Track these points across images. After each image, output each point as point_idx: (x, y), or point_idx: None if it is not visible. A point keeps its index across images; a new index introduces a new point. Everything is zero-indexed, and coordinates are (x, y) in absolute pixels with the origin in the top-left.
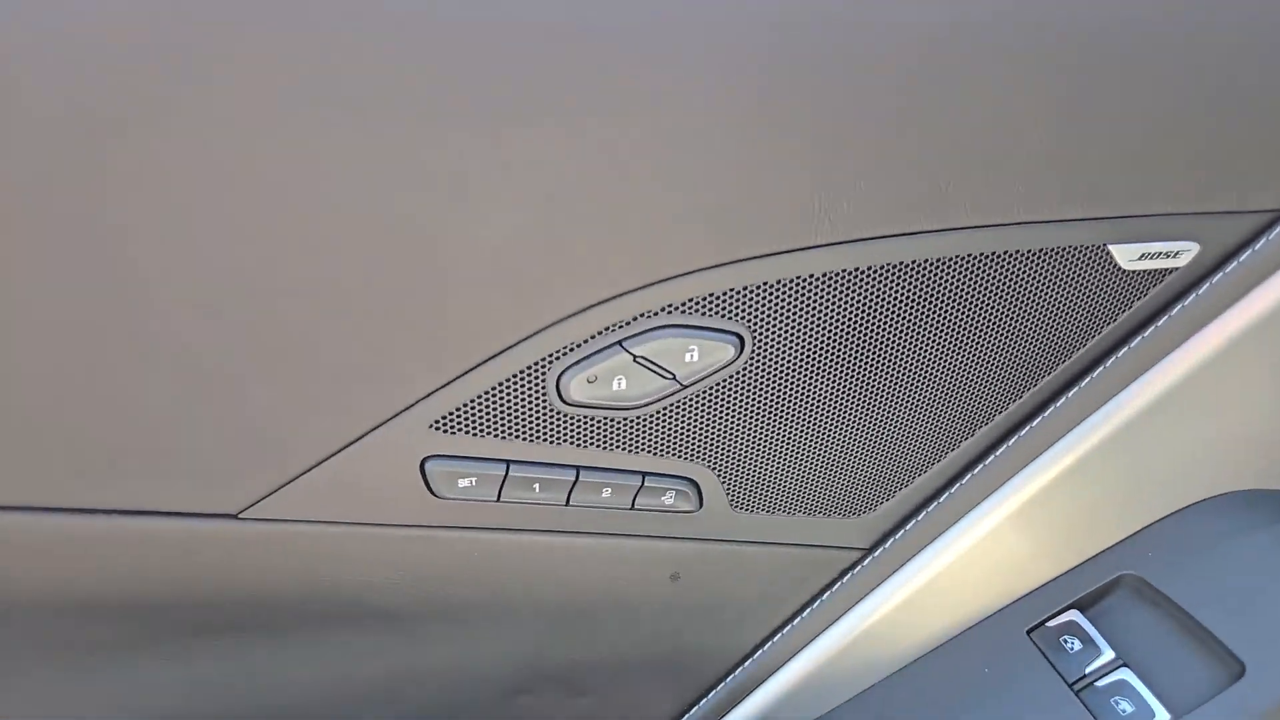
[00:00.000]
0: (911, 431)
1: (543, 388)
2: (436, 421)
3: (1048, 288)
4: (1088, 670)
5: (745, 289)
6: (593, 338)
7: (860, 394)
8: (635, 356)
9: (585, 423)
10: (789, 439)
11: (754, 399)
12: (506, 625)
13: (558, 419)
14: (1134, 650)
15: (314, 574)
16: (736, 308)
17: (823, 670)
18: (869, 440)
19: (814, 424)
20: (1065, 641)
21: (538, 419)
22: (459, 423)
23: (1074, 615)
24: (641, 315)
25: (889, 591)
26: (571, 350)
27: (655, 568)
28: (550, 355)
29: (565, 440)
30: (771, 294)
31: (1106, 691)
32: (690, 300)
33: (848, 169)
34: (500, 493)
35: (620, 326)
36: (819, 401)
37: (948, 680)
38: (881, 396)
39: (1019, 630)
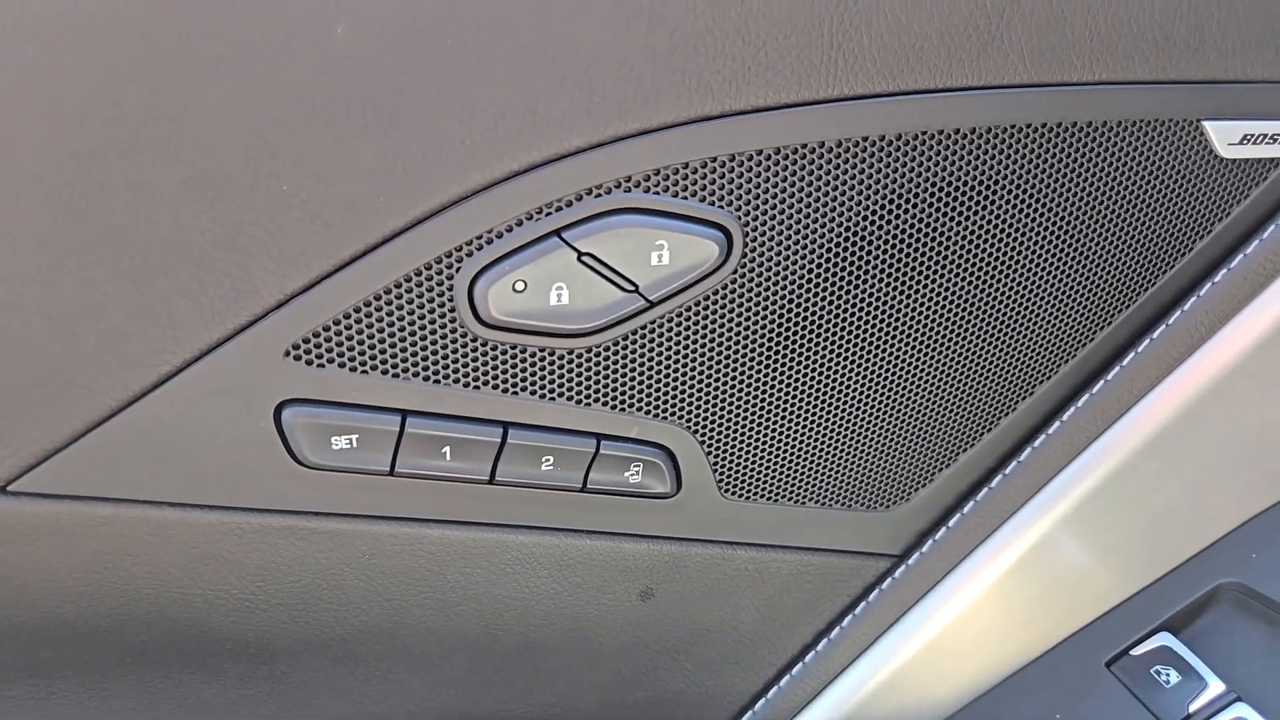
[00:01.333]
0: (956, 381)
1: (448, 299)
2: (294, 348)
3: (1123, 181)
4: (1192, 709)
5: (733, 161)
6: (518, 224)
7: (890, 323)
8: (580, 254)
9: (513, 356)
10: (798, 389)
11: (749, 325)
12: (409, 667)
13: (473, 348)
14: (1249, 679)
15: (124, 582)
16: (721, 188)
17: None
18: (902, 392)
19: (830, 367)
20: (1158, 673)
21: (444, 347)
22: (327, 350)
23: (1165, 639)
24: (588, 192)
25: (928, 613)
26: (488, 243)
27: (619, 581)
28: (457, 250)
29: (485, 381)
30: (767, 170)
31: None
32: (657, 174)
33: None
34: (394, 460)
35: (557, 209)
36: (835, 332)
37: None
38: (917, 328)
39: (1097, 662)
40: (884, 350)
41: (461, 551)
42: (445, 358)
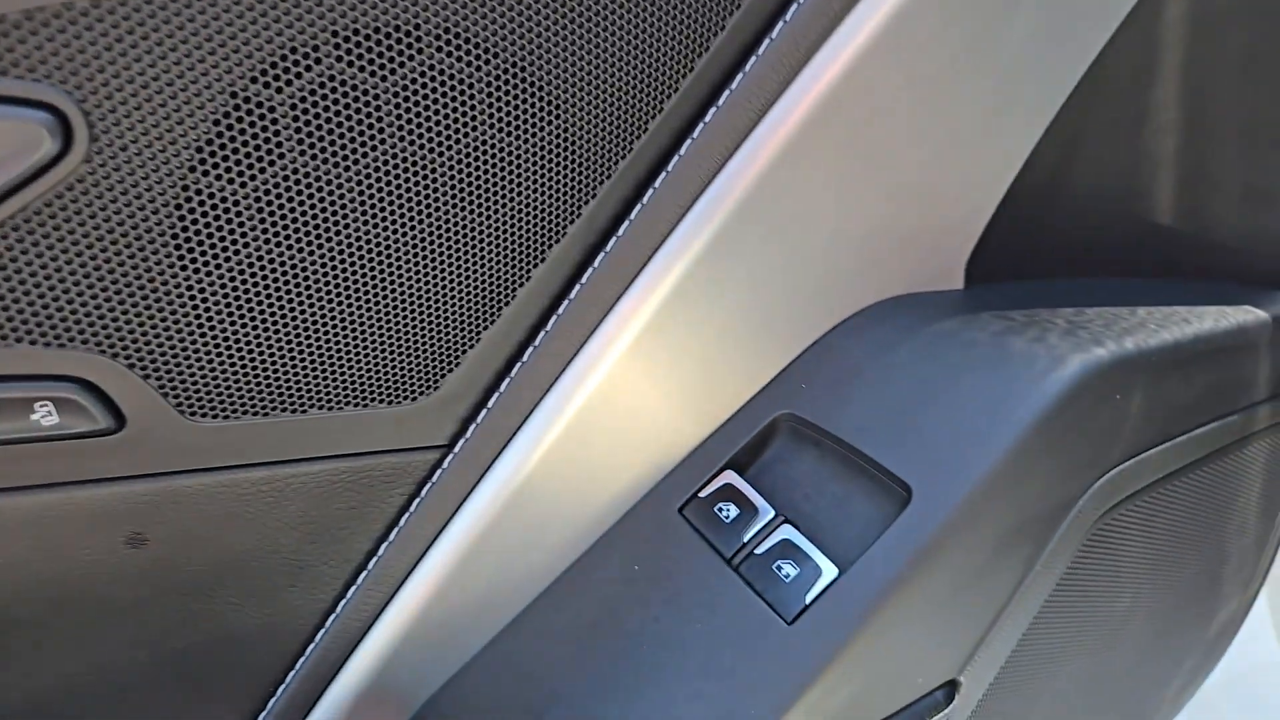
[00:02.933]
0: (447, 256)
1: None
2: None
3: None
4: (746, 538)
5: (61, 17)
6: None
7: (337, 202)
8: None
9: None
10: (235, 289)
11: (118, 224)
12: None
13: None
14: (796, 503)
15: None
16: (38, 56)
17: (428, 623)
18: (380, 277)
19: (269, 259)
20: (720, 510)
21: None
22: None
23: (729, 477)
24: None
25: (490, 495)
26: None
27: (92, 533)
28: None
29: None
30: (109, 25)
31: (767, 557)
32: None
33: None
34: None
35: None
36: (257, 220)
37: (595, 594)
38: (371, 204)
39: (671, 509)
40: (338, 233)
41: None
42: None
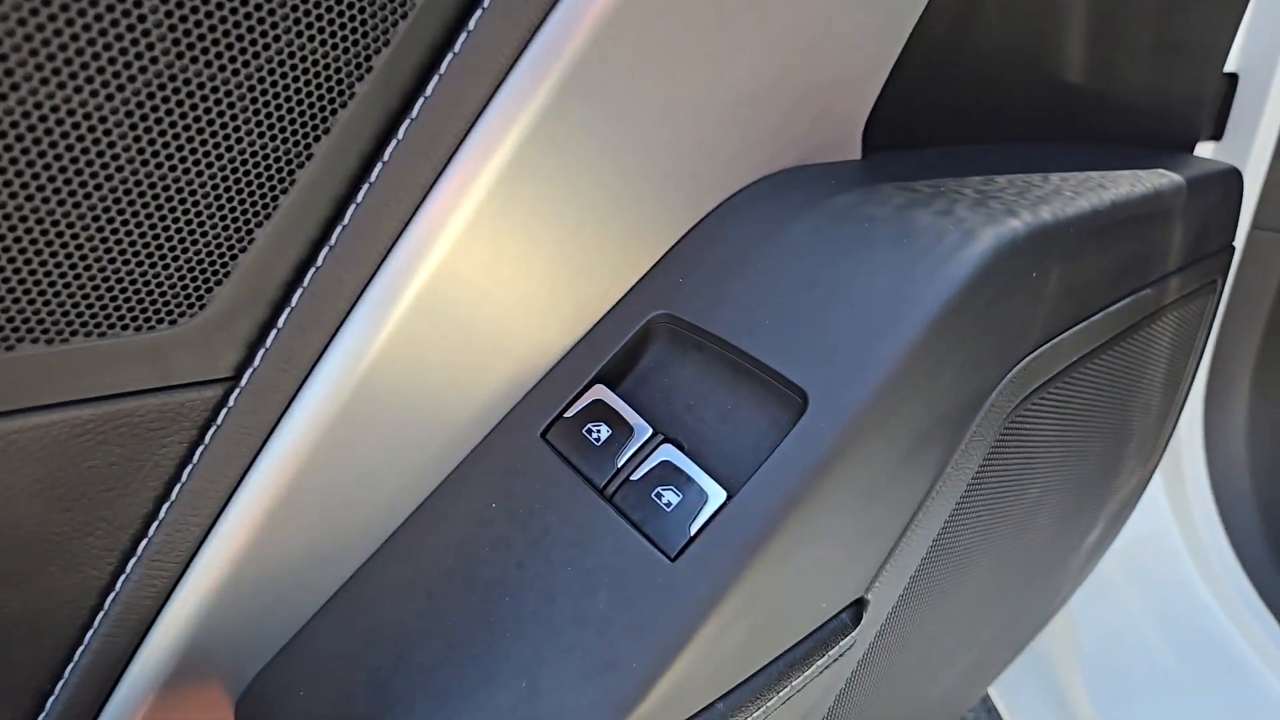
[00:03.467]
0: (206, 121)
1: None
2: None
3: None
4: (620, 463)
5: None
6: None
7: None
8: None
9: None
10: None
11: None
12: None
13: None
14: (677, 419)
15: None
16: None
17: (241, 589)
18: (108, 148)
19: None
20: (589, 432)
21: None
22: None
23: (599, 392)
24: None
25: (303, 429)
26: None
27: None
28: None
29: None
30: None
31: (645, 484)
32: None
33: None
34: None
35: None
36: None
37: (443, 544)
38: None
39: (530, 436)
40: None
41: None
42: None
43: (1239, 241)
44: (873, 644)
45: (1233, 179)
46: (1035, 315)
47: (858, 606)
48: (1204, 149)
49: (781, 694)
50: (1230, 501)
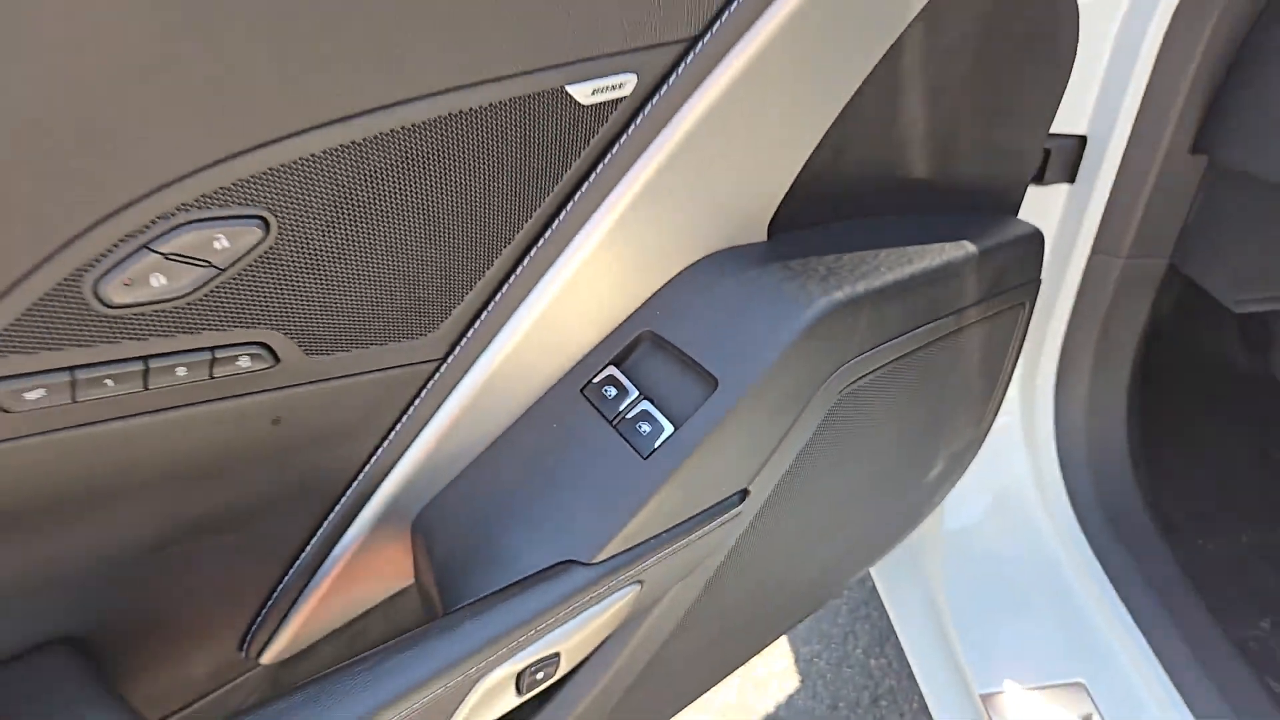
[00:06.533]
0: (443, 263)
1: (81, 299)
2: None
3: (526, 130)
4: (621, 409)
5: (252, 179)
6: (113, 247)
7: (389, 241)
8: (166, 255)
9: (138, 320)
10: (338, 289)
11: (296, 265)
12: (131, 499)
13: (108, 322)
14: (651, 387)
15: None
16: (252, 194)
17: (431, 460)
18: (408, 277)
19: (356, 273)
20: (606, 391)
21: (87, 326)
22: (5, 347)
23: (612, 370)
24: (159, 219)
25: (470, 384)
26: (97, 262)
27: (255, 420)
28: (77, 270)
29: (124, 338)
30: (280, 176)
31: (634, 420)
32: (203, 196)
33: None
34: (74, 395)
35: (140, 232)
36: (356, 254)
37: (529, 441)
38: (408, 239)
39: (575, 391)
40: (388, 256)
41: (143, 431)
42: (90, 332)
43: (1081, 263)
44: (753, 522)
45: (1035, 237)
46: (852, 338)
47: (743, 493)
48: (1060, 189)
49: (691, 538)
50: (1071, 457)
